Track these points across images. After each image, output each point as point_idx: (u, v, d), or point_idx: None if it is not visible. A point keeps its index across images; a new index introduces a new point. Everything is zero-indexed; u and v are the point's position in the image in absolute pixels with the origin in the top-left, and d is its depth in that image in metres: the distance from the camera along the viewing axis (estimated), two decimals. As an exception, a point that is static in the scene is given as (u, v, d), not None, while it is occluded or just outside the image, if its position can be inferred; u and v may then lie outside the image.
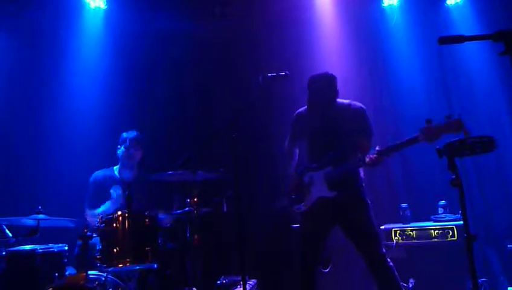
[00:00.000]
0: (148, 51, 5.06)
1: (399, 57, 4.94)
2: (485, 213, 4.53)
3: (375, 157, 2.96)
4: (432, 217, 4.16)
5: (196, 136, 4.97)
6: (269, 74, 3.10)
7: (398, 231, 4.06)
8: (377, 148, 2.98)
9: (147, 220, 3.11)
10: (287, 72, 3.16)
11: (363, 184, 3.25)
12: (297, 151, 3.50)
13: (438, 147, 2.54)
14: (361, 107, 3.28)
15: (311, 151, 3.35)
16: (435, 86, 4.80)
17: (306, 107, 3.41)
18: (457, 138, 2.58)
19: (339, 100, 3.31)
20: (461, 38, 1.84)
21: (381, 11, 5.06)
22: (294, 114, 3.50)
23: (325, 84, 3.25)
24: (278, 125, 4.46)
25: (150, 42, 5.06)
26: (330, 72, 3.31)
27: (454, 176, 2.49)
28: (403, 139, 2.90)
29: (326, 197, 3.15)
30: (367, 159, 2.98)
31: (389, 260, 3.08)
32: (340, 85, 3.30)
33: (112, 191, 3.76)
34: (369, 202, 3.21)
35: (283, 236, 4.34)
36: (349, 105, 3.29)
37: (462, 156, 2.59)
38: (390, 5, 5.02)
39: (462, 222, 2.57)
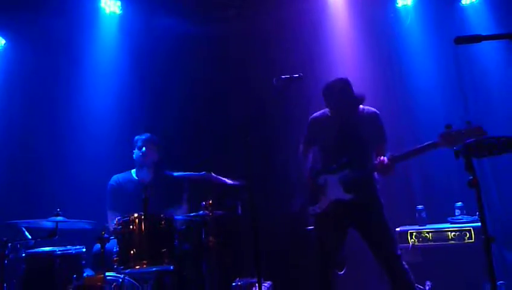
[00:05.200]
0: (163, 54, 5.11)
1: (414, 58, 4.89)
2: (503, 214, 4.45)
3: (387, 163, 2.98)
4: (449, 218, 4.12)
5: (212, 138, 4.99)
6: (283, 76, 3.12)
7: (414, 233, 4.03)
8: (391, 154, 2.99)
9: (162, 222, 3.14)
10: (301, 74, 3.18)
11: (378, 186, 3.26)
12: (311, 155, 3.51)
13: (456, 148, 2.53)
14: (375, 112, 3.31)
15: (327, 156, 3.36)
16: (450, 88, 4.73)
17: (323, 111, 3.43)
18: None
19: (357, 105, 3.31)
20: (478, 38, 1.83)
21: (396, 11, 5.03)
22: (310, 118, 3.51)
23: (344, 88, 3.26)
24: (291, 127, 4.46)
25: (164, 46, 5.12)
26: (345, 76, 3.32)
27: (471, 177, 2.47)
28: (422, 145, 2.90)
29: (342, 199, 3.16)
30: (378, 165, 3.01)
31: (404, 263, 3.07)
32: (354, 88, 3.30)
33: None
34: (383, 202, 3.20)
35: (298, 238, 4.33)
36: (363, 110, 3.30)
37: (479, 157, 2.57)
38: (404, 5, 4.99)
39: (479, 224, 2.53)
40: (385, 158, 3.01)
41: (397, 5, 5.00)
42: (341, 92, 3.23)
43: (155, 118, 4.97)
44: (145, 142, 3.95)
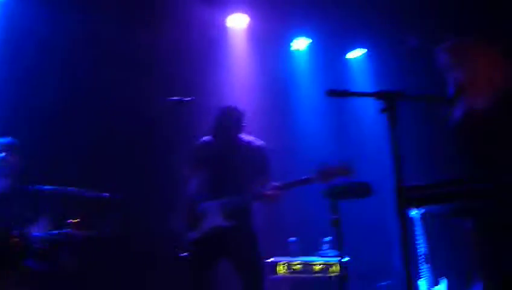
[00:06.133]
0: (41, 52, 4.58)
1: (303, 99, 5.25)
2: (364, 253, 4.88)
3: (271, 192, 3.09)
4: (318, 252, 4.38)
5: (88, 151, 4.63)
6: (173, 98, 3.11)
7: (284, 264, 4.20)
8: (275, 183, 3.12)
9: (14, 238, 2.83)
10: (193, 97, 3.19)
11: (253, 217, 3.34)
12: (195, 180, 3.50)
13: (323, 189, 2.74)
14: (262, 145, 3.42)
15: (211, 182, 3.36)
16: (330, 132, 5.16)
17: (210, 136, 3.45)
18: (342, 182, 2.81)
19: (243, 135, 3.41)
20: (347, 93, 2.02)
21: (289, 54, 5.37)
22: (197, 142, 3.51)
23: (233, 117, 3.34)
24: (177, 149, 4.40)
25: (44, 43, 4.56)
26: (238, 106, 3.41)
27: (335, 217, 2.70)
28: (300, 178, 3.08)
29: (220, 226, 3.19)
30: (263, 194, 3.11)
31: None
32: (246, 118, 3.41)
33: None
34: (257, 233, 3.30)
35: (172, 264, 4.23)
36: (252, 141, 3.41)
37: (344, 199, 2.82)
38: (298, 50, 5.35)
39: (343, 259, 2.75)
40: (270, 188, 3.11)
41: (291, 48, 5.35)
42: (225, 119, 3.30)
43: (19, 122, 4.42)
44: (6, 147, 3.51)
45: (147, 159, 4.43)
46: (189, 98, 3.19)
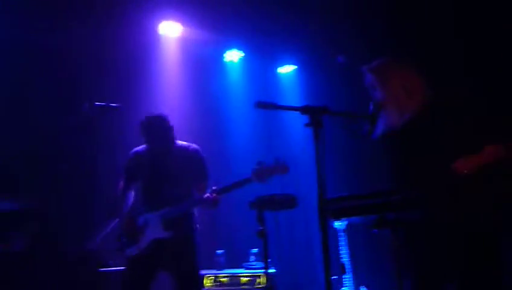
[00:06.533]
0: None
1: (235, 109, 5.27)
2: (290, 264, 4.97)
3: (212, 196, 3.03)
4: (244, 264, 4.38)
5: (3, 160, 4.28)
6: (97, 103, 2.97)
7: (210, 277, 4.15)
8: (214, 187, 3.07)
9: None
10: (119, 104, 3.07)
11: (198, 225, 3.27)
12: (132, 192, 3.36)
13: (250, 200, 2.76)
14: (198, 150, 3.34)
15: (148, 192, 3.25)
16: (259, 144, 5.23)
17: (144, 146, 3.33)
18: (267, 194, 2.84)
19: (178, 141, 3.34)
20: (274, 106, 2.06)
21: (222, 65, 5.39)
22: (131, 152, 3.38)
23: (165, 125, 3.25)
24: (105, 159, 4.21)
25: None
26: (167, 113, 3.33)
27: (261, 228, 2.72)
28: (237, 180, 3.04)
29: (160, 238, 3.07)
30: (203, 199, 3.04)
31: None
32: (177, 127, 3.33)
33: None
34: (199, 244, 3.23)
35: (91, 281, 3.99)
36: (187, 147, 3.33)
37: (270, 210, 2.86)
38: (231, 61, 5.39)
39: (270, 270, 2.77)
40: (210, 193, 3.03)
41: (224, 60, 5.37)
42: (157, 127, 3.21)
43: None
44: None
45: (70, 168, 4.18)
46: (115, 105, 3.06)
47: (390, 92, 2.33)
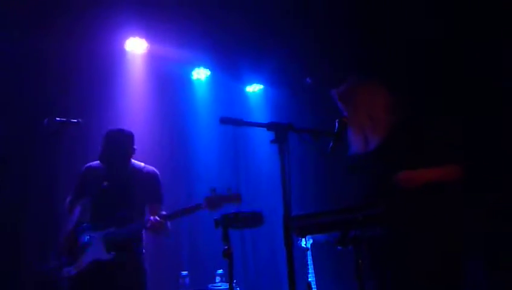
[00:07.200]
0: None
1: (200, 128, 5.24)
2: (256, 283, 4.91)
3: (159, 221, 2.94)
4: (209, 285, 4.28)
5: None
6: (58, 118, 2.87)
7: (174, 300, 4.03)
8: (163, 213, 2.99)
9: None
10: (79, 120, 2.98)
11: (144, 250, 3.14)
12: (79, 208, 3.21)
13: (215, 217, 2.70)
14: (155, 172, 3.25)
15: (96, 210, 3.11)
16: (226, 162, 5.21)
17: (97, 161, 3.22)
18: (233, 211, 2.80)
19: (134, 161, 3.25)
20: (239, 122, 2.05)
21: (189, 82, 5.37)
22: (83, 167, 3.26)
23: (123, 140, 3.17)
24: (63, 175, 4.06)
25: None
26: (128, 129, 3.25)
27: (226, 247, 2.66)
28: (187, 205, 2.99)
29: (101, 259, 2.92)
30: (149, 222, 2.94)
31: None
32: (142, 144, 3.27)
33: None
34: (147, 269, 3.10)
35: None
36: (143, 168, 3.23)
37: (235, 228, 2.81)
38: (198, 79, 5.37)
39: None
40: (156, 217, 2.95)
41: (192, 77, 5.35)
42: (113, 142, 3.12)
43: None
44: None
45: (23, 183, 4.01)
46: (75, 120, 2.96)
47: (356, 120, 2.40)
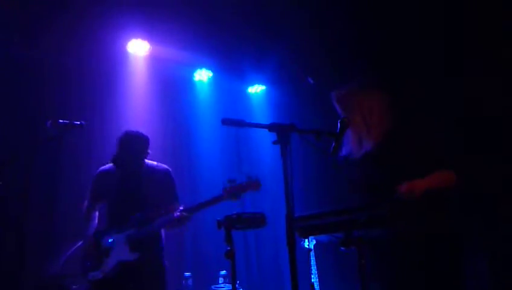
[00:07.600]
0: None
1: (204, 129, 5.24)
2: (259, 284, 4.91)
3: (178, 215, 2.96)
4: (213, 286, 4.28)
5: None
6: (61, 121, 2.87)
7: (177, 301, 4.04)
8: (181, 208, 3.00)
9: None
10: (83, 122, 2.98)
11: (163, 247, 3.16)
12: (97, 213, 3.23)
13: (218, 219, 2.70)
14: (167, 169, 3.27)
15: (114, 213, 3.13)
16: (228, 162, 5.20)
17: (110, 164, 3.23)
18: (236, 212, 2.80)
19: (147, 161, 3.25)
20: (241, 123, 2.05)
21: (192, 84, 5.37)
22: (97, 172, 3.26)
23: (140, 145, 3.18)
24: (68, 177, 4.08)
25: None
26: (145, 133, 3.25)
27: (229, 248, 2.66)
28: (209, 197, 2.99)
29: (126, 260, 2.95)
30: (171, 219, 2.97)
31: None
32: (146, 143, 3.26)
33: None
34: (167, 265, 3.13)
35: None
36: (156, 166, 3.25)
37: (238, 229, 2.81)
38: (200, 80, 5.38)
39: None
40: (178, 214, 2.97)
41: (194, 79, 5.36)
42: (130, 145, 3.14)
43: None
44: None
45: (26, 186, 4.02)
46: (79, 122, 2.97)
47: (352, 123, 2.41)
